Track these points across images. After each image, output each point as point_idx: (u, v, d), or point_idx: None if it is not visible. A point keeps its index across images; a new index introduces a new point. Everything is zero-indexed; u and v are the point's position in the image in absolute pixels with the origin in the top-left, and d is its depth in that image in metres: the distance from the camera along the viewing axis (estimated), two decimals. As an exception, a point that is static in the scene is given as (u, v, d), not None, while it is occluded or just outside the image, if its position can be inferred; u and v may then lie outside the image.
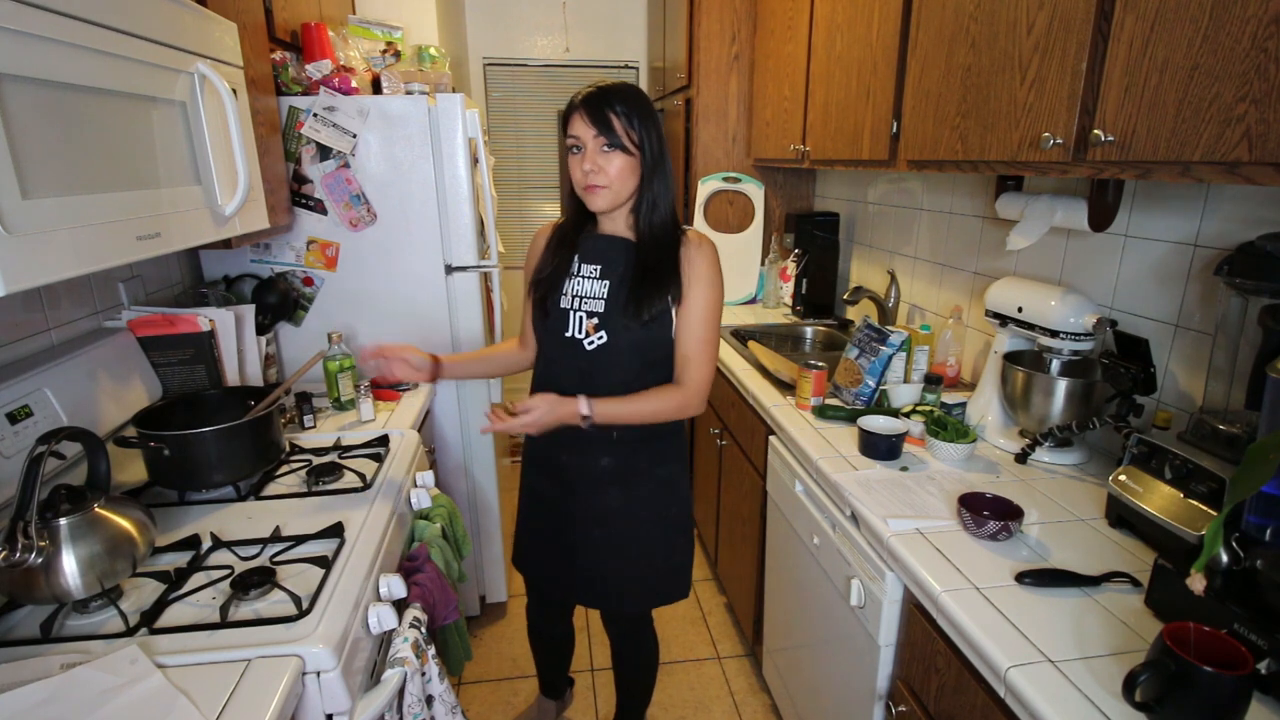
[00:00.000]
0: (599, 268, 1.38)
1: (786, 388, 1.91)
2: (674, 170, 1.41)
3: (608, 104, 1.28)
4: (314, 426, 1.75)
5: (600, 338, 1.37)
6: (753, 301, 3.02)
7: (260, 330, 1.86)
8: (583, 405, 1.31)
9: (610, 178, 1.30)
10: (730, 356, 2.23)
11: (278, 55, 1.84)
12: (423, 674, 1.18)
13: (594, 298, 1.37)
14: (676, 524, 1.55)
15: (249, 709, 0.86)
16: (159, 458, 1.32)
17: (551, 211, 3.90)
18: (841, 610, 1.40)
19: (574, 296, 1.39)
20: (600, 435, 1.42)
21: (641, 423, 1.38)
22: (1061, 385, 1.42)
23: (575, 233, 1.44)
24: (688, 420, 1.50)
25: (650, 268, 1.35)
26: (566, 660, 1.97)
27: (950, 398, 1.72)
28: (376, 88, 2.00)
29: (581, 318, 1.38)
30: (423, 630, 1.21)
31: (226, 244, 1.57)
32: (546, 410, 1.30)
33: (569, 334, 1.39)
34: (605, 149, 1.29)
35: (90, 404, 1.37)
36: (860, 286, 2.23)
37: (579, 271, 1.40)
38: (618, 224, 1.40)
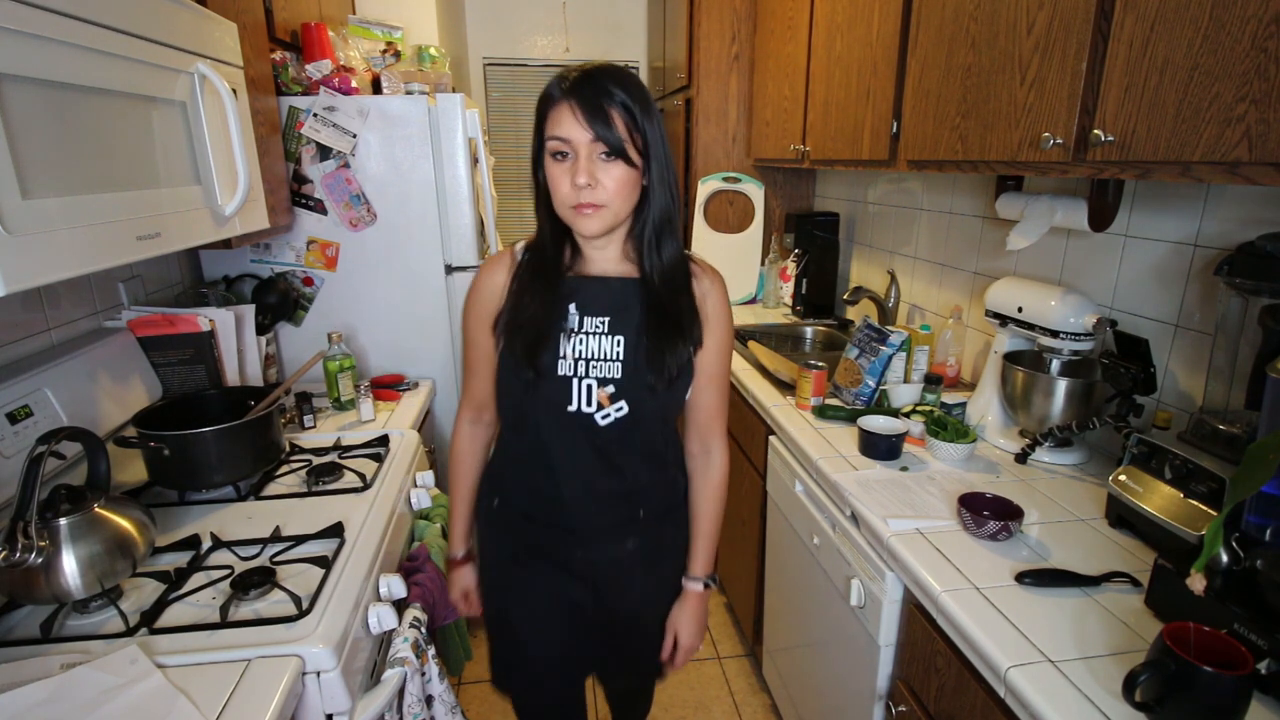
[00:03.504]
0: (606, 320, 1.07)
1: (786, 388, 1.91)
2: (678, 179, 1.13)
3: (607, 95, 0.96)
4: (314, 426, 1.75)
5: (619, 409, 1.07)
6: (753, 301, 3.02)
7: (260, 330, 1.86)
8: (696, 585, 1.23)
9: (609, 194, 0.98)
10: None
11: (278, 55, 1.84)
12: (423, 674, 1.19)
13: (607, 360, 1.06)
14: None
15: (249, 709, 0.86)
16: (159, 458, 1.32)
17: (551, 211, 3.90)
18: (841, 610, 1.40)
19: (576, 360, 1.06)
20: (628, 514, 1.17)
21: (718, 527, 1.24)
22: (1061, 385, 1.42)
23: (557, 268, 1.10)
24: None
25: (669, 313, 1.07)
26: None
27: (950, 398, 1.72)
28: (376, 88, 2.00)
29: (590, 386, 1.06)
30: (423, 630, 1.21)
31: (226, 244, 1.57)
32: (691, 627, 1.24)
33: (574, 408, 1.07)
34: (604, 156, 0.97)
35: (90, 404, 1.37)
36: (860, 286, 2.23)
37: (581, 327, 1.07)
38: (610, 254, 1.09)
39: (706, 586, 1.24)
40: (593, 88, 0.96)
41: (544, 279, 1.09)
